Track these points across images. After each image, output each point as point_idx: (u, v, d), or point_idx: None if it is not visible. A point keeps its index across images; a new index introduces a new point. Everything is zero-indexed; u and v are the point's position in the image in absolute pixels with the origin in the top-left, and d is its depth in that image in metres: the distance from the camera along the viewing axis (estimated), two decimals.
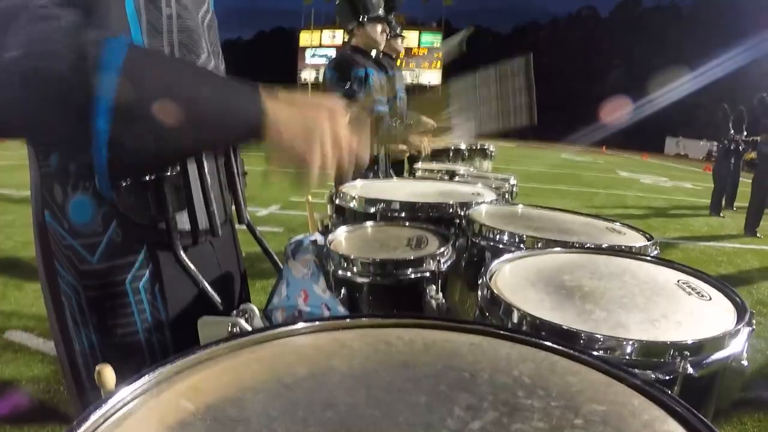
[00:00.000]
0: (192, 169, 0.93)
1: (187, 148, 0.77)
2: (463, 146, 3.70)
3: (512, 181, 2.50)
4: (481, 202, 1.61)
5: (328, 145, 0.75)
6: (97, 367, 0.55)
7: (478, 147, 3.77)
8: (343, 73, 2.84)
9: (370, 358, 0.60)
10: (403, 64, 33.04)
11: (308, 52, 36.26)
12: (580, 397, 0.53)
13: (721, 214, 9.25)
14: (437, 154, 3.57)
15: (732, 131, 9.21)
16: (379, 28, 2.96)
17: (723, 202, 9.50)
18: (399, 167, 3.51)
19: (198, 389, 0.52)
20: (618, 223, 1.47)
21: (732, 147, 9.27)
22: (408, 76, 32.99)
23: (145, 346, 0.91)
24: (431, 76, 34.32)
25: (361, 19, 2.91)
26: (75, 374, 0.92)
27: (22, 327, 3.35)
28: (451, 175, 2.62)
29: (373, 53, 3.07)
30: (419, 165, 3.01)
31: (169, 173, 0.88)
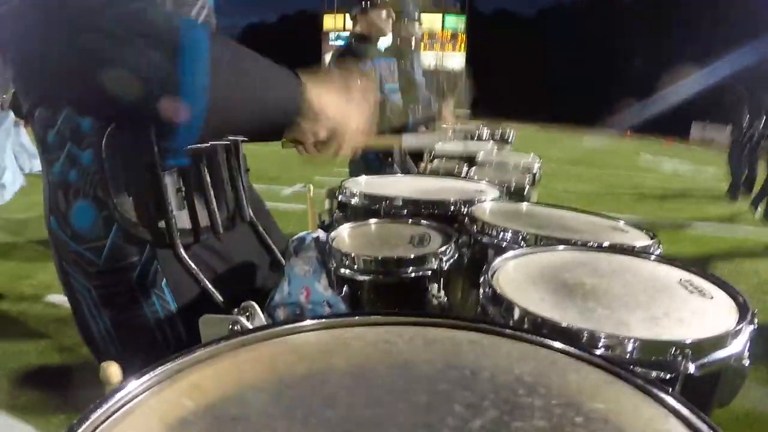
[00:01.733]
0: (191, 166, 0.93)
1: (237, 122, 0.83)
2: (485, 131, 3.67)
3: (537, 165, 2.45)
4: (484, 200, 1.61)
5: (357, 120, 0.81)
6: (102, 364, 0.56)
7: (499, 132, 3.73)
8: (345, 66, 2.76)
9: (370, 356, 0.60)
10: (427, 47, 32.19)
11: (332, 35, 35.51)
12: (581, 395, 0.52)
13: (739, 199, 9.04)
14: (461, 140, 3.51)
15: (747, 116, 8.94)
16: (384, 13, 2.86)
17: (741, 188, 9.26)
18: (417, 158, 3.44)
19: (198, 387, 0.52)
20: (621, 222, 1.47)
21: (747, 133, 9.01)
22: (432, 59, 31.96)
23: (161, 340, 0.92)
24: (455, 60, 33.74)
25: (364, 5, 2.83)
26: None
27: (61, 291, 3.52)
28: (471, 160, 2.53)
29: (382, 41, 3.00)
30: (439, 146, 2.90)
31: (167, 171, 0.88)
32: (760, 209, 7.81)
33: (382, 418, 0.48)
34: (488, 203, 1.58)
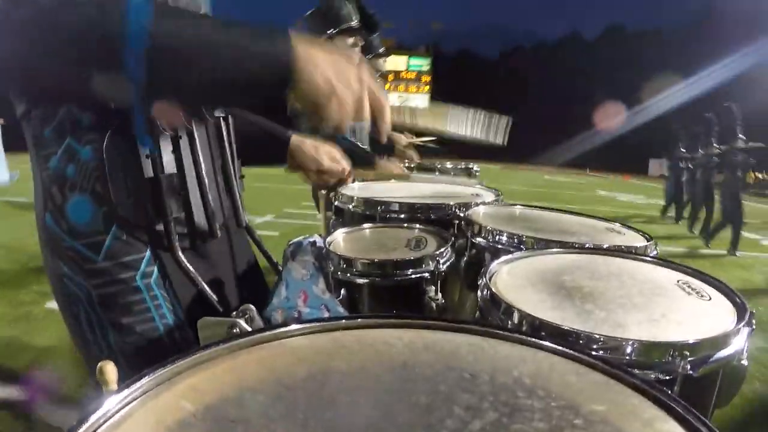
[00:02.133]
0: (189, 171, 0.93)
1: (221, 83, 0.76)
2: (449, 165, 3.76)
3: (475, 168, 2.50)
4: (480, 203, 1.61)
5: (355, 81, 0.77)
6: (99, 364, 0.55)
7: (463, 166, 3.82)
8: None
9: (369, 358, 0.60)
10: (391, 87, 34.31)
11: None
12: (580, 397, 0.52)
13: (678, 222, 10.24)
14: (423, 170, 3.61)
15: (682, 149, 10.17)
16: (350, 40, 2.80)
17: (681, 212, 10.44)
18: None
19: (197, 390, 0.52)
20: (618, 224, 1.47)
21: (681, 164, 10.12)
22: (396, 99, 33.82)
23: (168, 342, 0.91)
24: (419, 100, 34.24)
25: (330, 32, 2.75)
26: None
27: None
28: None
29: None
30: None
31: (165, 174, 0.88)
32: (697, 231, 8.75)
33: (381, 420, 0.48)
34: (484, 206, 1.59)
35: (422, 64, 35.82)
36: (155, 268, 0.89)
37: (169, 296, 0.91)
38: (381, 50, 3.92)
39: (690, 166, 9.87)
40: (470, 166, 3.80)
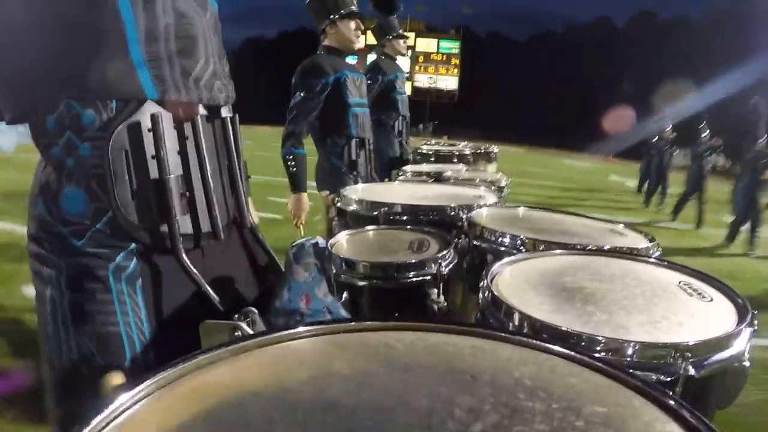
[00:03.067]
0: (195, 172, 0.93)
1: None
2: (467, 150, 3.75)
3: (503, 182, 2.52)
4: (483, 205, 1.61)
5: None
6: (106, 376, 0.56)
7: (483, 150, 3.81)
8: (305, 82, 2.71)
9: (371, 361, 0.60)
10: (421, 69, 35.58)
11: None
12: (581, 398, 0.53)
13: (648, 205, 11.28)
14: (442, 158, 3.61)
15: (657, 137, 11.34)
16: (352, 25, 2.78)
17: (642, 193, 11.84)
18: (384, 172, 3.48)
19: (199, 393, 0.53)
20: (620, 225, 1.47)
21: (652, 151, 11.41)
22: (425, 81, 35.59)
23: (125, 339, 0.89)
24: (448, 81, 36.25)
25: (332, 17, 2.74)
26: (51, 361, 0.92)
27: None
28: (437, 177, 2.61)
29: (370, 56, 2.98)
30: (407, 168, 2.99)
31: (171, 176, 0.88)
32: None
33: (382, 422, 0.48)
34: (486, 208, 1.59)
35: (452, 47, 36.22)
36: (131, 264, 0.88)
37: (136, 295, 0.89)
38: (400, 31, 3.91)
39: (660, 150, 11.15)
40: (490, 150, 3.84)
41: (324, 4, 2.76)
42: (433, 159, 3.60)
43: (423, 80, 35.93)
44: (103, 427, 0.47)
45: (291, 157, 2.68)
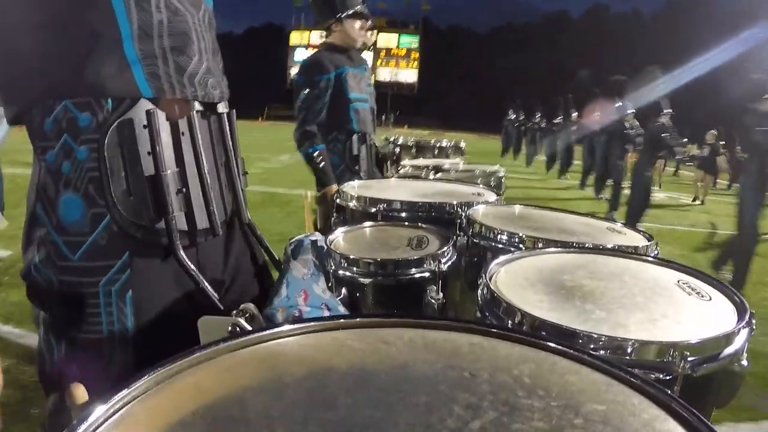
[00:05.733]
0: (191, 168, 0.93)
1: None
2: (445, 143, 3.95)
3: (501, 173, 2.56)
4: (482, 202, 1.61)
5: None
6: (71, 386, 0.55)
7: (453, 144, 4.03)
8: (308, 78, 2.73)
9: (369, 357, 0.60)
10: (383, 63, 37.74)
11: (298, 51, 38.12)
12: (580, 396, 0.53)
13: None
14: (422, 150, 3.70)
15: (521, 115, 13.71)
16: (357, 24, 2.80)
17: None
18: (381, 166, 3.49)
19: (198, 389, 0.52)
20: (618, 223, 1.47)
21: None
22: (388, 74, 37.61)
23: (107, 348, 0.89)
24: (408, 75, 38.56)
25: (339, 15, 2.76)
26: (41, 362, 0.92)
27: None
28: (437, 170, 2.65)
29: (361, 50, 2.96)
30: (406, 162, 3.01)
31: (167, 173, 0.88)
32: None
33: (381, 419, 0.48)
34: (485, 206, 1.59)
35: (411, 41, 38.51)
36: (123, 276, 0.88)
37: (125, 305, 0.89)
38: (370, 23, 3.93)
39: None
40: (459, 144, 4.02)
41: (332, 1, 2.76)
42: (414, 150, 3.72)
43: (385, 74, 37.85)
44: (102, 423, 0.47)
45: (316, 153, 2.70)
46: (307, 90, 2.68)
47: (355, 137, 2.81)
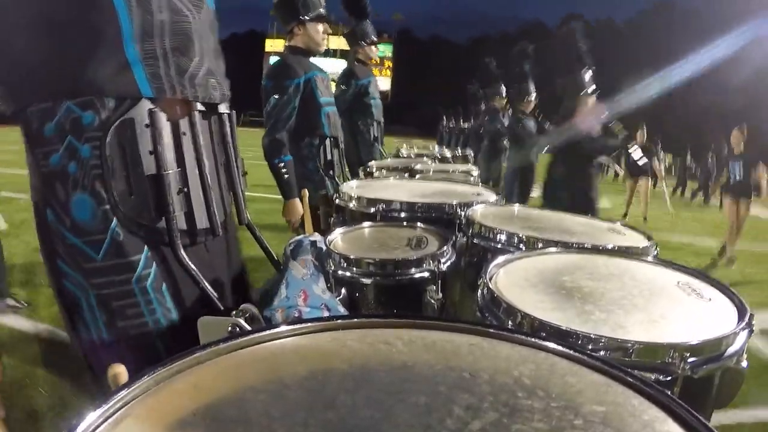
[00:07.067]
0: (192, 168, 0.93)
1: None
2: (448, 154, 4.06)
3: (475, 173, 2.58)
4: (482, 202, 1.61)
5: None
6: (110, 368, 0.56)
7: (460, 153, 4.20)
8: (277, 84, 2.67)
9: (369, 358, 0.60)
10: None
11: (272, 58, 38.69)
12: (579, 397, 0.53)
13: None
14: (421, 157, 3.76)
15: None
16: (320, 27, 2.75)
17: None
18: (354, 170, 3.46)
19: (198, 389, 0.52)
20: (618, 224, 1.47)
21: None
22: None
23: (161, 347, 0.91)
24: (381, 82, 39.37)
25: (301, 18, 2.71)
26: (93, 371, 0.93)
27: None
28: (411, 172, 2.65)
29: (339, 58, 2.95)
30: (372, 163, 2.98)
31: (169, 172, 0.88)
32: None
33: (381, 419, 0.48)
34: (485, 206, 1.59)
35: (385, 50, 39.50)
36: (152, 270, 0.89)
37: (165, 299, 0.90)
38: (373, 37, 3.88)
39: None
40: (467, 153, 4.15)
41: (294, 4, 2.71)
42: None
43: None
44: (101, 423, 0.47)
45: (282, 165, 2.64)
46: (277, 96, 2.62)
47: (328, 142, 2.79)
